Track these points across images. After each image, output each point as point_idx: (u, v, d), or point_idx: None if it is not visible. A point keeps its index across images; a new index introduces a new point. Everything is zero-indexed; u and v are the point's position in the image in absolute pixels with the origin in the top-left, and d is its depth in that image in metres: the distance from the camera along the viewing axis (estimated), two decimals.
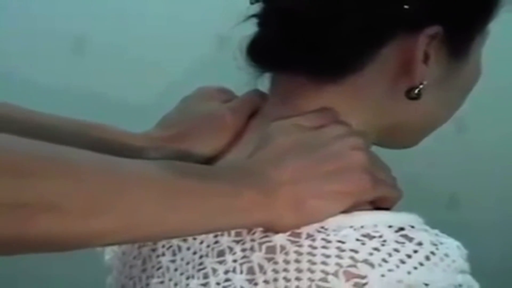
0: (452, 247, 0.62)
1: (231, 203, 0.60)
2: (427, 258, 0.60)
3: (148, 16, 1.45)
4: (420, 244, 0.61)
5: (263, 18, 0.69)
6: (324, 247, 0.61)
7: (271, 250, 0.62)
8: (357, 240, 0.61)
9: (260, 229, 0.63)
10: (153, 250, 0.72)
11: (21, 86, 1.39)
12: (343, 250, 0.60)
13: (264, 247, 0.63)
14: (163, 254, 0.70)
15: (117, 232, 0.56)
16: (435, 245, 0.61)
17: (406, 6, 0.64)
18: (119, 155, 0.70)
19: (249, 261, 0.63)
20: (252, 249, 0.63)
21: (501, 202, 1.70)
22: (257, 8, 0.70)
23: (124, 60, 1.43)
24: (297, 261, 0.61)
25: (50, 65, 1.40)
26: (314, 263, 0.60)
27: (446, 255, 0.61)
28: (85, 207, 0.53)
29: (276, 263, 0.61)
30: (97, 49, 1.42)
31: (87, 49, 1.42)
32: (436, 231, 0.63)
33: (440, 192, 1.66)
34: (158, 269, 0.70)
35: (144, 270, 0.73)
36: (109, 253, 0.79)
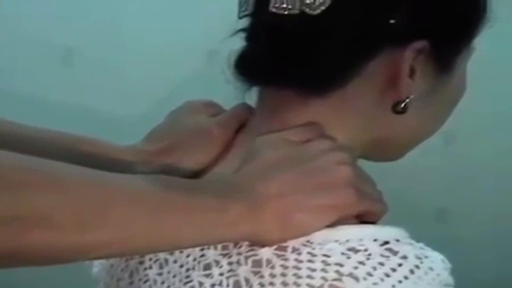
0: (437, 261, 0.62)
1: (218, 218, 0.60)
2: (412, 271, 0.61)
3: (139, 30, 1.45)
4: (404, 257, 0.61)
5: (250, 33, 0.70)
6: (309, 261, 0.61)
7: (257, 264, 0.63)
8: (342, 254, 0.61)
9: (247, 242, 0.64)
10: (141, 263, 0.72)
11: (8, 98, 1.38)
12: (328, 264, 0.61)
13: (250, 260, 0.63)
14: (150, 267, 0.70)
15: (106, 246, 0.56)
16: (419, 258, 0.61)
17: (392, 21, 0.64)
18: (107, 169, 0.71)
19: (236, 275, 0.63)
20: (238, 262, 0.63)
21: (491, 215, 1.71)
22: (245, 22, 0.70)
23: (113, 73, 1.43)
24: (283, 274, 0.61)
25: (39, 77, 1.40)
26: (300, 277, 0.61)
27: (431, 268, 0.61)
28: (75, 221, 0.54)
29: (262, 277, 0.62)
30: (87, 62, 1.42)
31: (77, 61, 1.42)
32: (421, 244, 0.64)
33: (429, 206, 1.66)
34: (145, 282, 0.70)
35: (131, 283, 0.73)
36: (97, 266, 0.79)
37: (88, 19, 1.42)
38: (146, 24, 1.44)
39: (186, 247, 0.65)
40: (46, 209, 0.53)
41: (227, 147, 0.74)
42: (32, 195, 0.53)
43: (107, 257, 0.58)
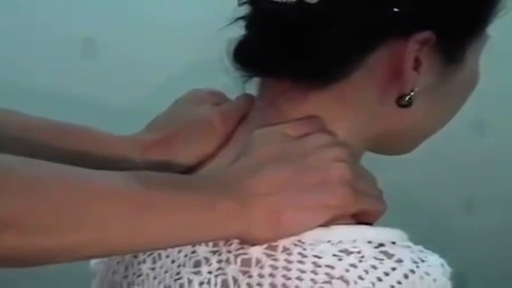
0: (435, 265, 0.60)
1: (205, 216, 0.59)
2: (406, 276, 0.58)
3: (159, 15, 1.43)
4: (399, 261, 0.59)
5: (250, 21, 0.67)
6: (300, 261, 0.59)
7: (246, 263, 0.61)
8: (334, 255, 0.59)
9: (237, 240, 0.62)
10: (135, 256, 0.70)
11: (29, 93, 1.38)
12: (319, 266, 0.59)
13: (239, 259, 0.61)
14: (144, 261, 0.69)
15: (84, 248, 0.55)
16: (415, 262, 0.59)
17: (395, 9, 0.61)
18: (102, 159, 0.70)
19: (224, 274, 0.62)
20: (227, 261, 0.62)
21: None
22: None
23: (134, 63, 1.41)
24: (271, 275, 0.60)
25: (59, 70, 1.39)
26: (289, 278, 0.59)
27: (427, 273, 0.59)
28: (49, 223, 0.53)
29: (250, 276, 0.60)
30: (108, 52, 1.41)
31: (98, 52, 1.41)
32: (420, 247, 0.61)
33: (457, 196, 1.64)
34: (139, 276, 0.69)
35: (126, 277, 0.72)
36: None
37: (107, 8, 1.41)
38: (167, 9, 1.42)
39: (174, 246, 0.63)
40: (23, 211, 0.52)
41: (227, 139, 0.72)
42: (9, 197, 0.51)
43: (89, 258, 0.57)
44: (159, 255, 0.67)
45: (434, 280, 0.59)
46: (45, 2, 1.40)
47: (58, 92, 1.38)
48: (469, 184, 1.62)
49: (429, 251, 0.61)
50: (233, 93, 0.74)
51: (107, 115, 1.25)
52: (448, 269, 0.61)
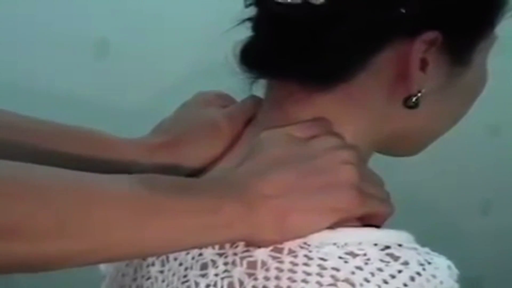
0: (442, 267, 0.59)
1: (211, 219, 0.58)
2: (412, 279, 0.58)
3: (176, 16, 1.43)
4: (406, 263, 0.58)
5: (256, 23, 0.67)
6: (305, 264, 0.59)
7: (252, 265, 0.60)
8: (340, 258, 0.58)
9: (243, 243, 0.62)
10: (144, 259, 0.70)
11: (44, 96, 1.38)
12: (324, 268, 0.58)
13: (245, 262, 0.61)
14: (153, 264, 0.69)
15: (87, 253, 0.55)
16: (422, 265, 0.58)
17: (402, 10, 0.61)
18: (107, 163, 0.70)
19: (230, 276, 0.61)
20: (233, 263, 0.61)
21: None
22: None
23: (148, 64, 1.41)
24: (277, 278, 0.59)
25: (72, 71, 1.39)
26: (294, 281, 0.58)
27: (433, 276, 0.58)
28: (50, 229, 0.52)
29: (256, 279, 0.60)
30: (121, 53, 1.41)
31: (111, 53, 1.41)
32: (427, 249, 0.61)
33: (474, 198, 1.62)
34: (148, 279, 0.69)
35: (135, 279, 0.72)
36: None
37: (121, 9, 1.41)
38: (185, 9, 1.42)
39: (180, 250, 0.63)
40: (24, 218, 0.51)
41: (234, 141, 0.72)
42: (10, 204, 0.51)
43: (93, 264, 0.57)
44: (167, 258, 0.67)
45: (441, 282, 0.58)
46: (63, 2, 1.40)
47: (64, 93, 1.38)
48: (485, 186, 1.61)
49: (435, 253, 0.61)
50: (240, 95, 0.74)
51: (114, 117, 1.25)
52: (455, 271, 0.60)
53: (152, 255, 0.66)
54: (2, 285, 1.31)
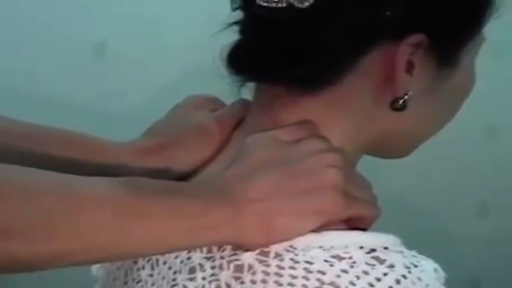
0: (428, 270, 0.59)
1: (196, 222, 0.59)
2: (398, 281, 0.58)
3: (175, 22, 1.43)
4: (391, 266, 0.58)
5: (243, 26, 0.67)
6: (291, 267, 0.59)
7: (238, 269, 0.61)
8: (326, 261, 0.59)
9: (230, 246, 0.62)
10: (135, 262, 0.71)
11: (46, 101, 1.39)
12: (310, 272, 0.59)
13: (232, 265, 0.61)
14: (143, 268, 0.69)
15: (73, 254, 0.56)
16: (407, 268, 0.59)
17: (387, 13, 0.61)
18: (97, 166, 0.70)
19: (217, 280, 0.62)
20: (221, 267, 0.62)
21: None
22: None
23: (145, 67, 1.41)
24: (263, 281, 0.59)
25: (70, 74, 1.40)
26: (280, 284, 0.59)
27: (419, 278, 0.58)
28: (36, 230, 0.54)
29: (243, 283, 0.60)
30: (118, 56, 1.41)
31: (108, 55, 1.41)
32: (413, 252, 0.61)
33: (470, 200, 1.62)
34: (138, 282, 0.70)
35: (125, 283, 0.72)
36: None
37: (119, 11, 1.41)
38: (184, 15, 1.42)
39: (165, 252, 0.64)
40: (14, 218, 0.53)
41: (224, 144, 0.72)
42: (3, 206, 0.53)
43: (78, 265, 0.58)
44: (157, 261, 0.68)
45: (427, 285, 0.58)
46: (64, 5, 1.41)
47: (63, 96, 1.39)
48: (483, 189, 1.61)
49: (422, 256, 0.61)
50: (230, 99, 0.74)
51: (106, 120, 1.25)
52: (442, 274, 0.60)
53: (139, 257, 0.66)
54: (2, 286, 1.31)
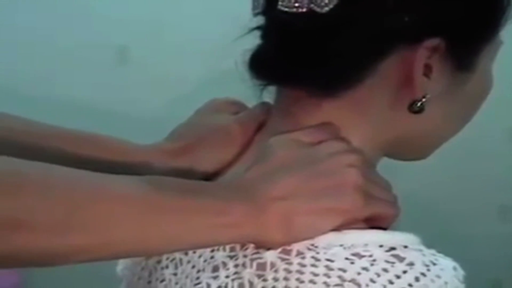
0: (447, 268, 0.60)
1: (220, 220, 0.60)
2: (417, 279, 0.59)
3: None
4: (411, 264, 0.59)
5: (264, 31, 0.69)
6: (313, 265, 0.60)
7: (261, 267, 0.62)
8: (346, 259, 0.60)
9: (252, 245, 0.63)
10: (158, 262, 0.72)
11: (66, 104, 1.40)
12: (331, 269, 0.60)
13: (255, 263, 0.62)
14: (167, 267, 0.70)
15: (92, 248, 0.57)
16: (426, 266, 0.60)
17: (406, 19, 0.62)
18: (125, 168, 0.72)
19: (240, 277, 0.63)
20: (244, 265, 0.63)
21: None
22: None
23: (167, 72, 1.43)
24: (286, 279, 0.61)
25: (93, 79, 1.41)
26: (302, 282, 0.60)
27: (438, 276, 0.59)
28: (55, 224, 0.55)
29: (265, 280, 0.61)
30: (141, 61, 1.43)
31: (131, 60, 1.43)
32: (433, 251, 0.62)
33: (492, 202, 1.62)
34: (162, 281, 0.71)
35: (149, 282, 0.73)
36: (121, 264, 0.80)
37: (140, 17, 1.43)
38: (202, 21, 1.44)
39: (186, 249, 0.65)
40: (33, 212, 0.54)
41: (246, 147, 0.73)
42: (22, 199, 0.54)
43: (99, 259, 0.59)
44: (181, 260, 0.69)
45: (446, 283, 0.59)
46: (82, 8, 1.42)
47: (84, 100, 1.40)
48: (504, 191, 1.61)
49: (441, 255, 0.62)
50: (251, 103, 0.75)
51: (128, 124, 1.26)
52: (461, 272, 0.61)
53: (159, 253, 0.68)
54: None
